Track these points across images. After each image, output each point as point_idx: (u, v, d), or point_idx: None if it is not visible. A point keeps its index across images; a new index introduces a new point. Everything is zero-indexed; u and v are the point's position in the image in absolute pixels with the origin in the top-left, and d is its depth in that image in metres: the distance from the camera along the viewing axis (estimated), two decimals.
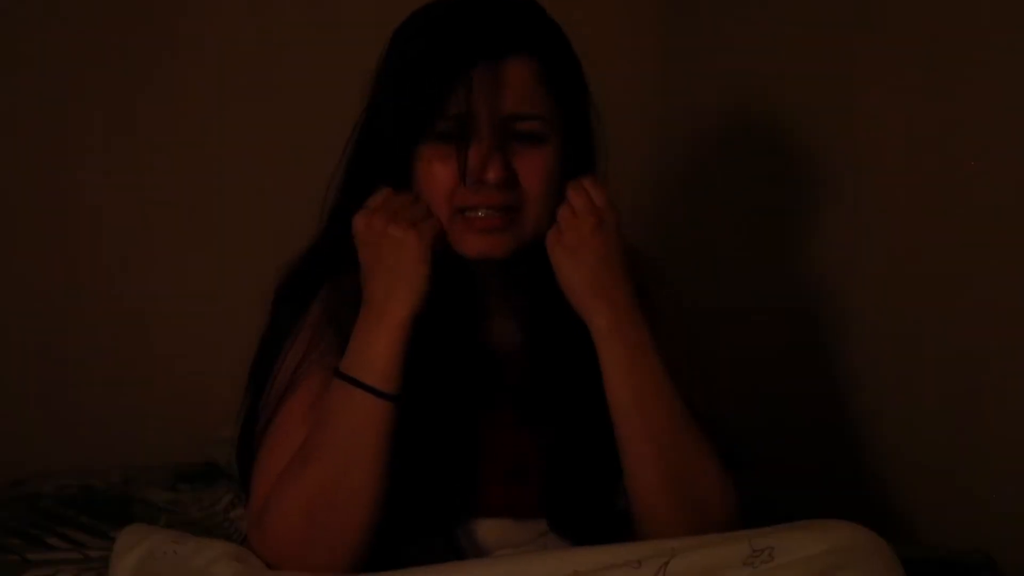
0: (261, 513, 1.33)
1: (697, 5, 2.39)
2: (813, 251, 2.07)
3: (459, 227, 1.36)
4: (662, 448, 1.36)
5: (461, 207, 1.35)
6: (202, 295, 2.31)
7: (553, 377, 1.44)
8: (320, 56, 2.28)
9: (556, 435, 1.43)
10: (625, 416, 1.36)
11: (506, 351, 1.46)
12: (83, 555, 1.64)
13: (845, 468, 1.98)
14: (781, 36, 2.15)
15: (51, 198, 2.25)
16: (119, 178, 2.28)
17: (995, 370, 1.73)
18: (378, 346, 1.32)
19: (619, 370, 1.36)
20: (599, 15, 2.38)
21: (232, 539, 1.75)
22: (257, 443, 1.39)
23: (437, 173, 1.35)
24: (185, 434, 2.20)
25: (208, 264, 2.31)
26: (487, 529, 1.41)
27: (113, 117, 2.26)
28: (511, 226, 1.36)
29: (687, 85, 2.41)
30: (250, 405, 1.44)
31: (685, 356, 1.47)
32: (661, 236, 2.36)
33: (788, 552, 1.17)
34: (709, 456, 1.37)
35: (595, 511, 1.42)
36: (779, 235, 2.14)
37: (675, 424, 1.36)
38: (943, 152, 1.80)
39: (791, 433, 2.10)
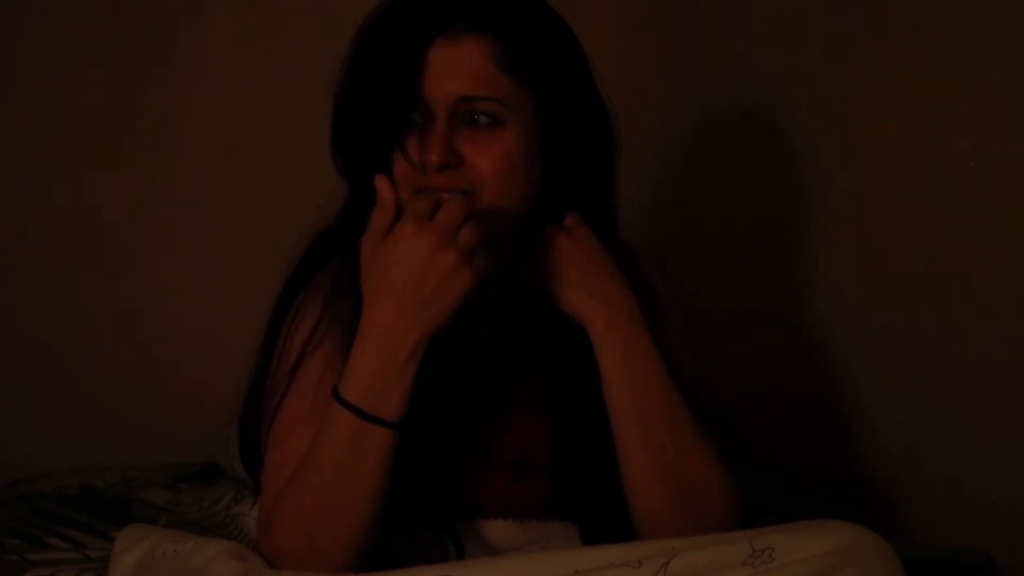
0: (266, 520, 1.33)
1: (697, 4, 2.39)
2: (813, 251, 2.07)
3: None
4: (659, 448, 1.36)
5: (417, 189, 1.35)
6: (202, 295, 2.31)
7: (558, 373, 1.44)
8: (321, 55, 2.27)
9: (564, 429, 1.42)
10: (622, 416, 1.36)
11: (511, 351, 1.46)
12: (83, 555, 1.64)
13: (845, 468, 1.99)
14: (782, 36, 2.15)
15: (51, 198, 2.26)
16: (119, 178, 2.28)
17: (995, 370, 1.74)
18: (389, 374, 1.27)
19: (616, 370, 1.36)
20: (599, 15, 2.39)
21: (234, 537, 1.75)
22: (265, 436, 1.39)
23: (397, 158, 1.35)
24: (185, 434, 2.20)
25: (208, 264, 2.31)
26: (491, 530, 1.41)
27: (114, 117, 2.27)
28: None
29: (687, 84, 2.41)
30: (255, 383, 1.43)
31: (687, 352, 1.47)
32: (661, 235, 2.36)
33: (788, 552, 1.17)
34: (708, 454, 1.37)
35: (604, 502, 1.42)
36: (779, 234, 2.14)
37: (673, 423, 1.36)
38: (943, 151, 1.80)
39: (791, 433, 2.10)
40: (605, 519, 1.41)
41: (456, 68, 1.33)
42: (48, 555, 1.64)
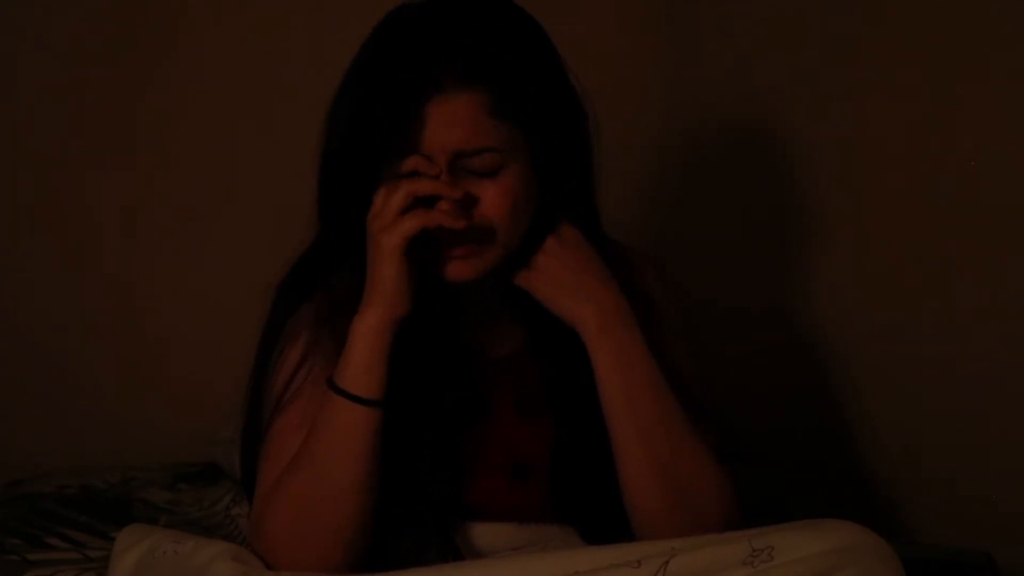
0: (258, 519, 1.34)
1: (697, 5, 2.39)
2: (813, 251, 2.07)
3: (432, 255, 1.35)
4: (654, 448, 1.36)
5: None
6: (202, 295, 2.31)
7: (555, 376, 1.44)
8: (321, 57, 2.28)
9: (561, 431, 1.43)
10: (617, 417, 1.37)
11: (508, 353, 1.46)
12: (83, 555, 1.64)
13: (845, 468, 1.98)
14: (782, 36, 2.15)
15: (51, 198, 2.25)
16: (119, 178, 2.28)
17: (995, 370, 1.74)
18: (356, 352, 1.32)
19: (609, 371, 1.37)
20: (599, 15, 2.39)
21: (233, 538, 1.75)
22: (258, 451, 1.40)
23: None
24: (185, 434, 2.20)
25: (208, 264, 2.31)
26: (490, 533, 1.41)
27: (114, 117, 2.27)
28: (478, 253, 1.35)
29: (687, 85, 2.41)
30: (250, 407, 1.44)
31: (686, 351, 1.47)
32: (661, 235, 2.37)
33: (788, 552, 1.17)
34: (704, 454, 1.37)
35: (603, 504, 1.42)
36: (779, 235, 2.14)
37: (668, 423, 1.37)
38: (944, 152, 1.80)
39: (791, 433, 2.10)
40: (604, 521, 1.41)
41: (452, 122, 1.31)
42: (48, 555, 1.64)
